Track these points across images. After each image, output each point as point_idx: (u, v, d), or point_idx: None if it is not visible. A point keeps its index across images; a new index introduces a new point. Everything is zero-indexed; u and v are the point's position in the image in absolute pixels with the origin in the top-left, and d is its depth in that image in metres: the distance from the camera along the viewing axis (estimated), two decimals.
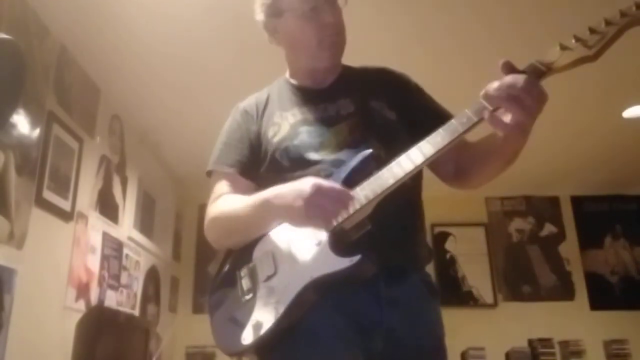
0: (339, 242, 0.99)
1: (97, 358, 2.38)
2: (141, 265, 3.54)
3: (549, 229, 4.73)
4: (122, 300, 3.16)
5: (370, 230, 0.98)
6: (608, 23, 0.89)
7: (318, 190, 0.95)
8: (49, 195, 2.32)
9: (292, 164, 1.11)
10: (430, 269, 1.18)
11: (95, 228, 2.82)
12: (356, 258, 0.95)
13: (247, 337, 1.00)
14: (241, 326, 1.02)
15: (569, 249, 4.66)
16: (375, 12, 2.39)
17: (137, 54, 2.66)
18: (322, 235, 1.00)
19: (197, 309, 4.37)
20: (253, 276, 1.06)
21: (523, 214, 4.78)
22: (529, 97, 0.89)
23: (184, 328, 4.21)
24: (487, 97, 0.92)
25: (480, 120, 0.93)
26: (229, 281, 1.11)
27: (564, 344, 4.21)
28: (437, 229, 4.63)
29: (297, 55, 1.25)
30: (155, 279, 3.84)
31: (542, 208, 4.79)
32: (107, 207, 3.00)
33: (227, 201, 1.15)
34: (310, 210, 0.95)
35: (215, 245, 1.18)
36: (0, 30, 1.97)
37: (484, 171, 1.12)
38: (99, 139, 2.90)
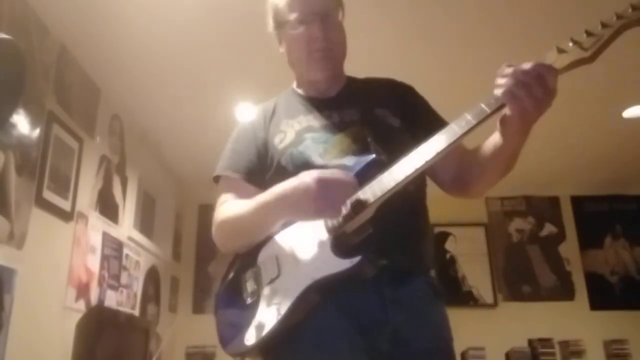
0: (341, 245, 1.00)
1: (97, 358, 2.38)
2: (141, 265, 3.54)
3: (549, 229, 4.73)
4: (122, 300, 3.16)
5: (372, 234, 0.99)
6: (604, 25, 0.89)
7: (323, 184, 0.96)
8: (49, 195, 2.33)
9: (296, 169, 1.11)
10: None
11: (95, 228, 2.82)
12: (356, 259, 0.96)
13: (250, 337, 1.02)
14: (245, 327, 1.04)
15: (569, 249, 4.66)
16: (378, 12, 2.40)
17: (137, 54, 2.67)
18: (325, 238, 1.02)
19: (197, 309, 4.37)
20: (257, 279, 1.08)
21: (523, 214, 4.78)
22: (540, 87, 0.89)
23: (184, 328, 4.21)
24: (502, 74, 0.92)
25: (480, 123, 0.94)
26: (235, 285, 1.13)
27: (564, 344, 4.21)
28: (437, 229, 4.63)
29: (295, 67, 1.30)
30: (155, 279, 3.84)
31: (542, 208, 4.79)
32: (107, 207, 3.00)
33: (232, 206, 1.18)
34: (320, 205, 0.96)
35: (222, 249, 1.21)
36: (0, 30, 1.97)
37: (483, 177, 1.13)
38: (99, 139, 2.91)
